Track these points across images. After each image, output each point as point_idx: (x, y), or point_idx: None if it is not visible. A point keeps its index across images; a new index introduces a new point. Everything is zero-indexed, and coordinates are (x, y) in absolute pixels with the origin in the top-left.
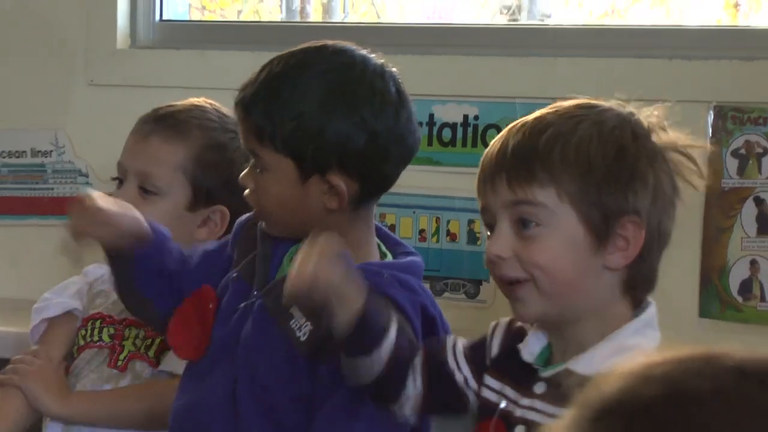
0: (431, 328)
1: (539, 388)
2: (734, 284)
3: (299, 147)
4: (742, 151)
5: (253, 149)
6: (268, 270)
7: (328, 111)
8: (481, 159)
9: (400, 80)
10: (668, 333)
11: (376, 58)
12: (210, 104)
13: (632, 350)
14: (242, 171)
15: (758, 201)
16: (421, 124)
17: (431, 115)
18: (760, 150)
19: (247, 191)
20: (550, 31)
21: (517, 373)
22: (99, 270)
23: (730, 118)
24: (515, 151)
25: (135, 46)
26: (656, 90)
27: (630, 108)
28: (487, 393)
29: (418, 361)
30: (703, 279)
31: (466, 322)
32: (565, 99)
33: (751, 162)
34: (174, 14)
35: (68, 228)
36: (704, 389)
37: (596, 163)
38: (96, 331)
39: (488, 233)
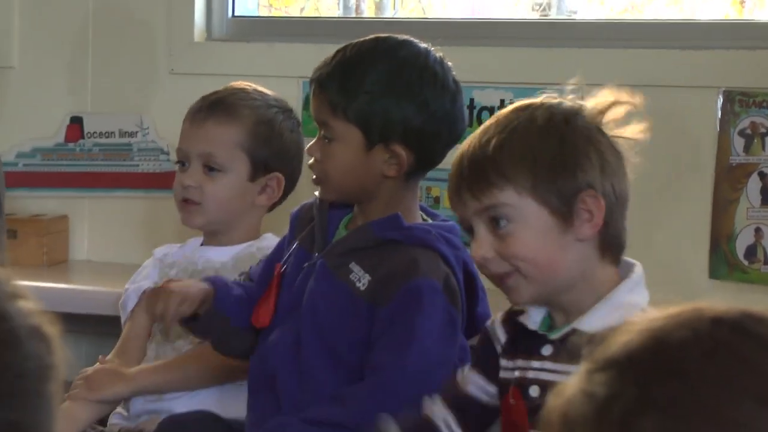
0: (472, 283)
1: (546, 350)
2: (740, 249)
3: (368, 119)
4: (748, 131)
5: (325, 120)
6: (327, 235)
7: (395, 91)
8: (448, 177)
9: (450, 65)
10: (681, 292)
11: (435, 51)
12: (248, 85)
13: (628, 307)
14: (291, 140)
15: (762, 175)
16: None
17: (471, 100)
18: (764, 130)
19: (311, 161)
20: (576, 25)
21: (525, 343)
22: (166, 248)
23: (737, 102)
24: (470, 165)
25: (210, 39)
26: (671, 77)
27: (560, 98)
28: (503, 374)
29: (447, 418)
30: (712, 245)
31: None
32: (589, 86)
33: (756, 141)
34: (245, 11)
35: (159, 315)
36: (684, 337)
37: (540, 155)
38: None
39: (471, 238)
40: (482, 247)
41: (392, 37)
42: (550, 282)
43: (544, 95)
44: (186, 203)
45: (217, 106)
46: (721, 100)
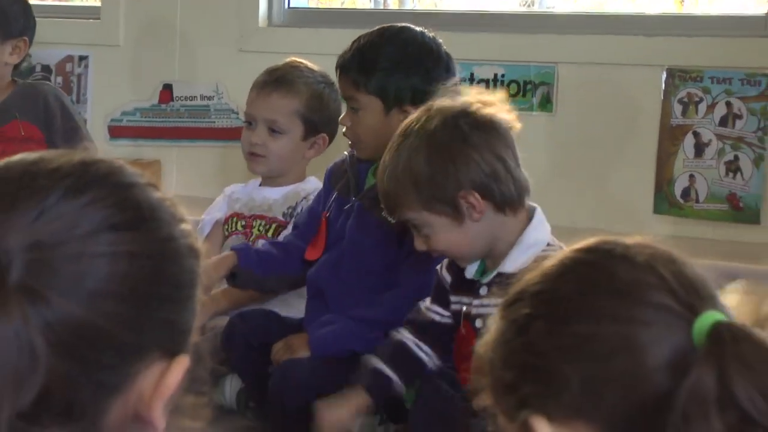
0: None
1: (483, 291)
2: (678, 191)
3: (385, 90)
4: (685, 99)
5: (351, 95)
6: (359, 183)
7: (403, 65)
8: None
9: (445, 47)
10: (632, 224)
11: (429, 33)
12: (301, 62)
13: (535, 244)
14: (334, 108)
15: (695, 134)
16: (464, 79)
17: (471, 74)
18: (697, 99)
19: (344, 129)
20: (554, 16)
21: (467, 286)
22: (233, 186)
23: (677, 77)
24: (381, 196)
25: (271, 25)
26: (628, 58)
27: (429, 113)
28: (453, 306)
29: (417, 342)
30: (656, 188)
31: None
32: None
33: (690, 107)
34: (298, 3)
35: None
36: (557, 270)
37: (416, 179)
38: (233, 224)
39: None
40: (417, 244)
41: (394, 25)
42: (470, 253)
43: (433, 108)
44: (252, 155)
45: (280, 82)
46: (665, 75)
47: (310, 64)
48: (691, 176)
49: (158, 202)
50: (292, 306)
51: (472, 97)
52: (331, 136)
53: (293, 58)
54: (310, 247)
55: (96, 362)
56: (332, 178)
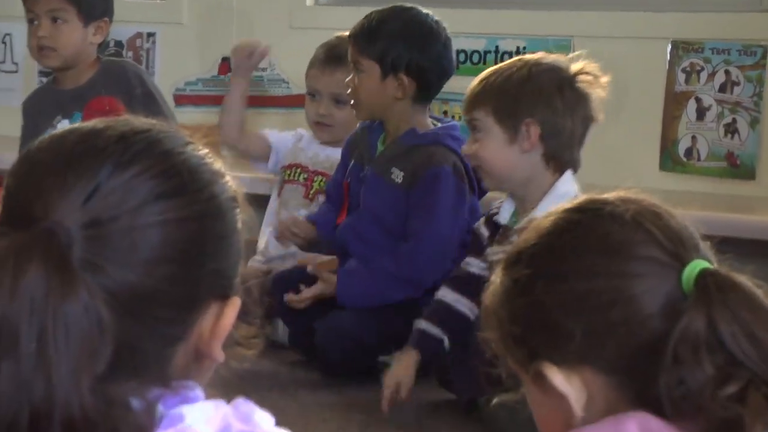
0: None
1: (515, 237)
2: (681, 150)
3: (383, 57)
4: (688, 68)
5: (356, 59)
6: (371, 152)
7: (402, 38)
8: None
9: (445, 26)
10: (639, 180)
11: (434, 16)
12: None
13: (565, 195)
14: None
15: (697, 100)
16: (489, 51)
17: (497, 46)
18: (699, 68)
19: (348, 90)
20: None
21: (500, 237)
22: (305, 134)
23: (680, 48)
24: (469, 91)
25: (317, 4)
26: (638, 31)
27: (549, 57)
28: (490, 258)
29: (459, 298)
30: (662, 147)
31: None
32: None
33: (693, 75)
34: None
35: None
36: (557, 227)
37: (504, 92)
38: (295, 174)
39: None
40: (467, 146)
41: (405, 4)
42: (500, 176)
43: (550, 58)
44: (318, 125)
45: (341, 60)
46: (670, 47)
47: None
48: (693, 137)
49: (199, 163)
50: None
51: (586, 67)
52: None
53: (342, 34)
54: (340, 213)
55: (157, 319)
56: (349, 149)
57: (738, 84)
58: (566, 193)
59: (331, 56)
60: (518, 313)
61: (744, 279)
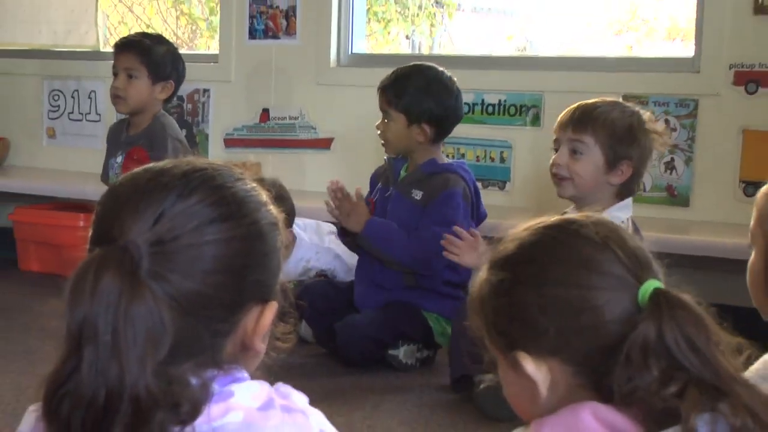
0: (477, 192)
1: None
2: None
3: (409, 110)
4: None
5: (385, 110)
6: (396, 176)
7: (425, 93)
8: (559, 117)
9: (455, 81)
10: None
11: (447, 72)
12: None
13: (616, 219)
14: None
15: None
16: (477, 104)
17: (482, 99)
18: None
19: (379, 132)
20: (540, 58)
21: None
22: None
23: (630, 101)
24: (579, 115)
25: (339, 65)
26: (593, 87)
27: (634, 107)
28: None
29: None
30: None
31: (499, 201)
32: (549, 92)
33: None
34: (358, 49)
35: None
36: (539, 241)
37: (617, 130)
38: None
39: (554, 151)
40: (561, 158)
41: (424, 63)
42: (582, 191)
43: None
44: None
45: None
46: (621, 100)
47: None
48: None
49: (246, 195)
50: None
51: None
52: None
53: None
54: None
55: (210, 318)
56: (377, 175)
57: (675, 130)
58: (618, 216)
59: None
60: (501, 309)
61: (689, 297)
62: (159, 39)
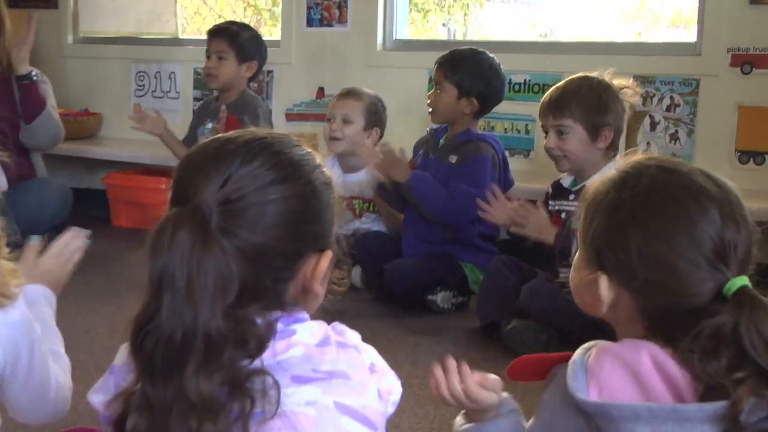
0: (505, 161)
1: (572, 197)
2: (640, 152)
3: (461, 84)
4: (644, 95)
5: (440, 81)
6: (436, 144)
7: (477, 72)
8: (540, 103)
9: (502, 68)
10: None
11: (496, 59)
12: None
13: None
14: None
15: (651, 117)
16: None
17: (510, 79)
18: (652, 95)
19: (429, 101)
20: (561, 43)
21: (561, 195)
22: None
23: (639, 81)
24: (554, 104)
25: (384, 49)
26: (609, 69)
27: (604, 76)
28: (550, 208)
29: None
30: (626, 149)
31: (523, 167)
32: (568, 73)
33: (648, 99)
34: (401, 36)
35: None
36: (625, 175)
37: (588, 103)
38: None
39: (545, 136)
40: (551, 142)
41: (477, 48)
42: (575, 164)
43: (596, 72)
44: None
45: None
46: (631, 79)
47: None
48: (648, 143)
49: (301, 158)
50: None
51: (626, 82)
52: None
53: None
54: None
55: (273, 266)
56: (419, 144)
57: (679, 106)
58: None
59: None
60: (607, 236)
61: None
62: (244, 26)
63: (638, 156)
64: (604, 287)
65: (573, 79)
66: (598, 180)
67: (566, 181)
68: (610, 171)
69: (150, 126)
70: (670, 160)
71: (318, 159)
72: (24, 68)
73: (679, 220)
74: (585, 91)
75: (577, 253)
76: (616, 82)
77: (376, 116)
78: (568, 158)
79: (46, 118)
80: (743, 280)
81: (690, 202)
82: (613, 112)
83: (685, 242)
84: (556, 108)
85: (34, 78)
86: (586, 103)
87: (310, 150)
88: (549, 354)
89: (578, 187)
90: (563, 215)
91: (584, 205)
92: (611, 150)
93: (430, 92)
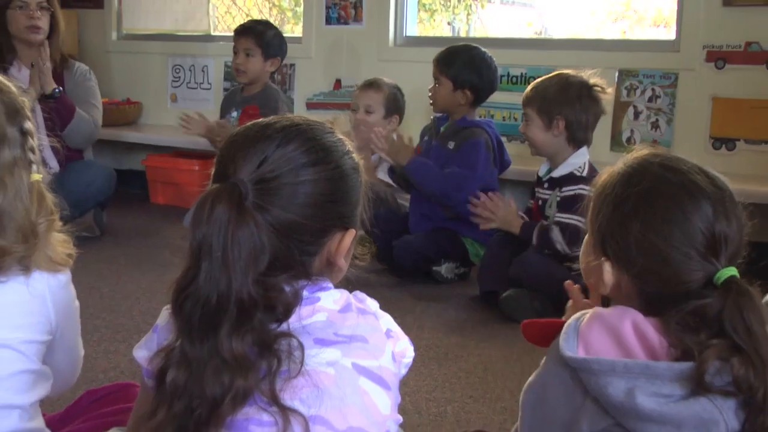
0: (500, 145)
1: (546, 185)
2: (624, 138)
3: (456, 77)
4: (628, 87)
5: (437, 76)
6: (438, 131)
7: (469, 66)
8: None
9: (495, 62)
10: (596, 157)
11: (488, 53)
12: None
13: (572, 164)
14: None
15: (634, 107)
16: (503, 75)
17: (508, 72)
18: (635, 87)
19: (429, 94)
20: (554, 40)
21: (538, 182)
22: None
23: (624, 74)
24: (526, 95)
25: (395, 45)
26: (595, 64)
27: (583, 75)
28: (536, 196)
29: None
30: (612, 136)
31: (520, 151)
32: (564, 69)
33: (632, 91)
34: (411, 33)
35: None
36: (631, 171)
37: (546, 97)
38: None
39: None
40: (521, 128)
41: (471, 44)
42: (539, 149)
43: (576, 71)
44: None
45: None
46: (617, 73)
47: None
48: (632, 130)
49: (332, 144)
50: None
51: (598, 81)
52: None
53: None
54: None
55: (301, 240)
56: (424, 131)
57: (659, 97)
58: (575, 163)
59: None
60: (611, 227)
61: (755, 290)
62: (268, 24)
63: (645, 151)
64: (608, 272)
65: (549, 75)
66: (606, 171)
67: (542, 170)
68: (617, 164)
69: (195, 128)
70: (673, 158)
71: (348, 145)
72: (49, 88)
73: (675, 216)
74: (546, 83)
75: (585, 238)
76: (592, 81)
77: (395, 104)
78: (531, 143)
79: (75, 123)
80: (732, 271)
81: (686, 199)
82: (573, 105)
83: (679, 236)
84: (526, 98)
85: (57, 94)
86: (544, 94)
87: (341, 137)
88: (555, 320)
89: (547, 176)
90: (540, 202)
91: (593, 195)
92: (574, 141)
93: (431, 86)
